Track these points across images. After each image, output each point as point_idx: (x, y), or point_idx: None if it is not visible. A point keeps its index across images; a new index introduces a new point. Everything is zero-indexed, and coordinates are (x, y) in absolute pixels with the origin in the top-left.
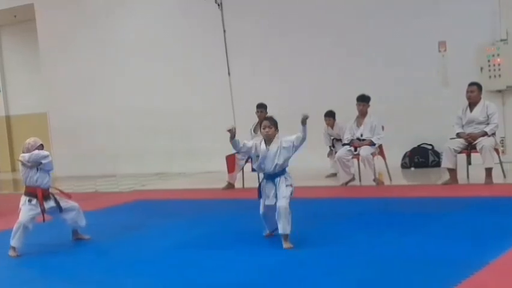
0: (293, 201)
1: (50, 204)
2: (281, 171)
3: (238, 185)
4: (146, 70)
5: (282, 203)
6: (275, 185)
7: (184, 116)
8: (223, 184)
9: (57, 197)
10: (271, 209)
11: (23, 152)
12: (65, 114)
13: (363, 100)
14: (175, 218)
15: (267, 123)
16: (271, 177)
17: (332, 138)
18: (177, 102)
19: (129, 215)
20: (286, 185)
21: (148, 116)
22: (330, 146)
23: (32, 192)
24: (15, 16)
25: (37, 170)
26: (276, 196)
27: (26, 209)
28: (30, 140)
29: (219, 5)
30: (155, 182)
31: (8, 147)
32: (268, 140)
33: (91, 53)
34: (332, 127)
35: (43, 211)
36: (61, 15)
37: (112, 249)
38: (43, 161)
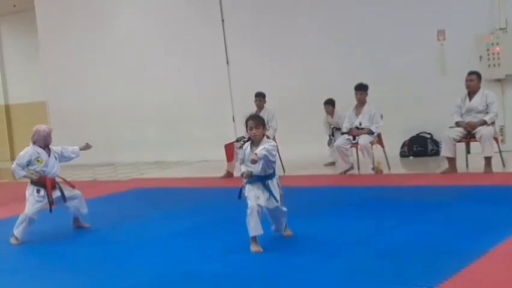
0: (292, 189)
1: (56, 193)
2: (271, 174)
3: (236, 173)
4: (144, 59)
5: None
6: (267, 187)
7: (183, 105)
8: (222, 173)
9: (62, 186)
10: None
11: (34, 139)
12: (64, 103)
13: (361, 89)
14: (174, 206)
15: (253, 124)
16: (261, 179)
17: (332, 127)
18: (176, 91)
19: (128, 203)
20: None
21: (146, 105)
22: (329, 135)
23: (40, 182)
24: (14, 6)
25: (56, 159)
26: (273, 199)
27: (33, 201)
28: (43, 127)
29: None
30: (154, 171)
31: (8, 136)
32: (256, 141)
33: (90, 43)
34: (332, 115)
35: (51, 202)
36: (60, 5)
37: (111, 237)
38: (74, 156)
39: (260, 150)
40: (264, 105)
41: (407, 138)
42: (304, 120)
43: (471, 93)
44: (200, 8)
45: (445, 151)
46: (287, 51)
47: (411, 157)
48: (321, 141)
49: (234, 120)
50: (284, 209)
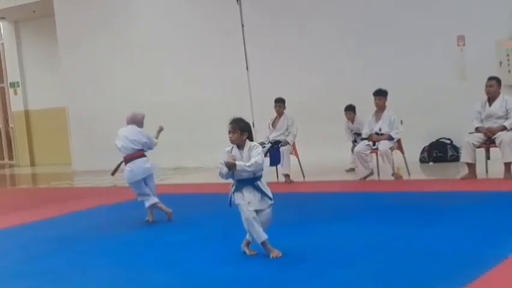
0: (311, 195)
1: None
2: (258, 177)
3: None
4: (163, 64)
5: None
6: (259, 189)
7: (202, 111)
8: None
9: None
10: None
11: (130, 120)
12: (84, 108)
13: (380, 94)
14: (194, 211)
15: (230, 128)
16: (250, 181)
17: (353, 132)
18: (195, 97)
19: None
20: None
21: (165, 110)
22: (352, 141)
23: None
24: (34, 11)
25: None
26: (267, 197)
27: None
28: (142, 113)
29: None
30: (174, 176)
31: (27, 142)
32: (239, 145)
33: (109, 48)
34: (353, 121)
35: None
36: (80, 11)
37: (129, 242)
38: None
39: (246, 165)
40: (284, 111)
41: (427, 144)
42: (324, 125)
43: (491, 99)
44: (220, 13)
45: (465, 157)
46: (307, 56)
47: (431, 163)
48: (340, 147)
49: (253, 126)
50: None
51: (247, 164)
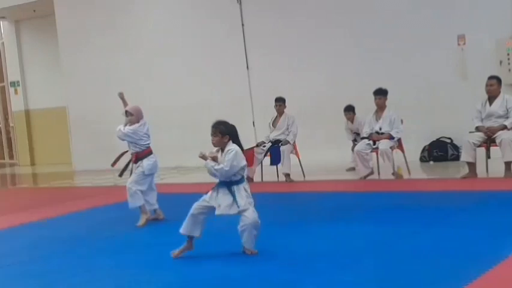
0: (312, 194)
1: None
2: (238, 180)
3: (257, 178)
4: (164, 64)
5: (252, 218)
6: (233, 194)
7: (203, 110)
8: None
9: None
10: (209, 213)
11: (130, 112)
12: (84, 108)
13: (380, 93)
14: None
15: (211, 131)
16: (227, 184)
17: (354, 132)
18: (195, 97)
19: None
20: (247, 196)
21: (165, 110)
22: (352, 140)
23: None
24: (34, 11)
25: None
26: (237, 206)
27: None
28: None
29: None
30: (174, 176)
31: (28, 142)
32: (221, 148)
33: (110, 47)
34: (352, 121)
35: None
36: (80, 10)
37: (129, 243)
38: None
39: (215, 167)
40: (284, 110)
41: (427, 143)
42: (325, 124)
43: (491, 98)
44: (220, 13)
45: (465, 156)
46: (307, 56)
47: (431, 162)
48: (341, 146)
49: (254, 125)
50: (248, 216)
51: (216, 166)
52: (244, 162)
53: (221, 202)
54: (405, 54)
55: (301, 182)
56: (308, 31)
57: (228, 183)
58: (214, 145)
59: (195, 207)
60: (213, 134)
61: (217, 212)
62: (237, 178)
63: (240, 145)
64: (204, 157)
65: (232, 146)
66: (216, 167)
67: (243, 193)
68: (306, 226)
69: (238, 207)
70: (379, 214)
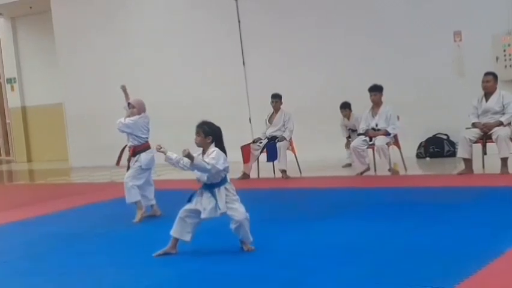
0: (308, 191)
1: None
2: (219, 182)
3: (253, 175)
4: (160, 61)
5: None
6: (214, 197)
7: (199, 107)
8: (239, 174)
9: None
10: (196, 217)
11: (132, 104)
12: (80, 104)
13: (375, 90)
14: None
15: (195, 130)
16: (209, 187)
17: (348, 129)
18: (192, 93)
19: None
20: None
21: (162, 106)
22: (346, 137)
23: None
24: (30, 7)
25: None
26: (218, 208)
27: None
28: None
29: None
30: (170, 172)
31: (24, 138)
32: (204, 149)
33: (106, 44)
34: (349, 118)
35: None
36: (76, 6)
37: (126, 238)
38: None
39: (194, 162)
40: (281, 106)
41: (424, 139)
42: (322, 121)
43: (487, 94)
44: (216, 9)
45: (461, 152)
46: (304, 53)
47: (427, 158)
48: (338, 143)
49: (250, 122)
50: (237, 214)
51: (195, 162)
52: (226, 165)
53: (206, 205)
54: (401, 50)
55: (297, 178)
56: (305, 28)
57: (209, 186)
58: (197, 145)
59: (182, 210)
60: (196, 133)
61: (202, 216)
62: (217, 180)
63: (223, 148)
64: (189, 155)
65: (213, 149)
66: (210, 162)
67: (223, 195)
68: (303, 222)
69: (219, 209)
70: (376, 210)
